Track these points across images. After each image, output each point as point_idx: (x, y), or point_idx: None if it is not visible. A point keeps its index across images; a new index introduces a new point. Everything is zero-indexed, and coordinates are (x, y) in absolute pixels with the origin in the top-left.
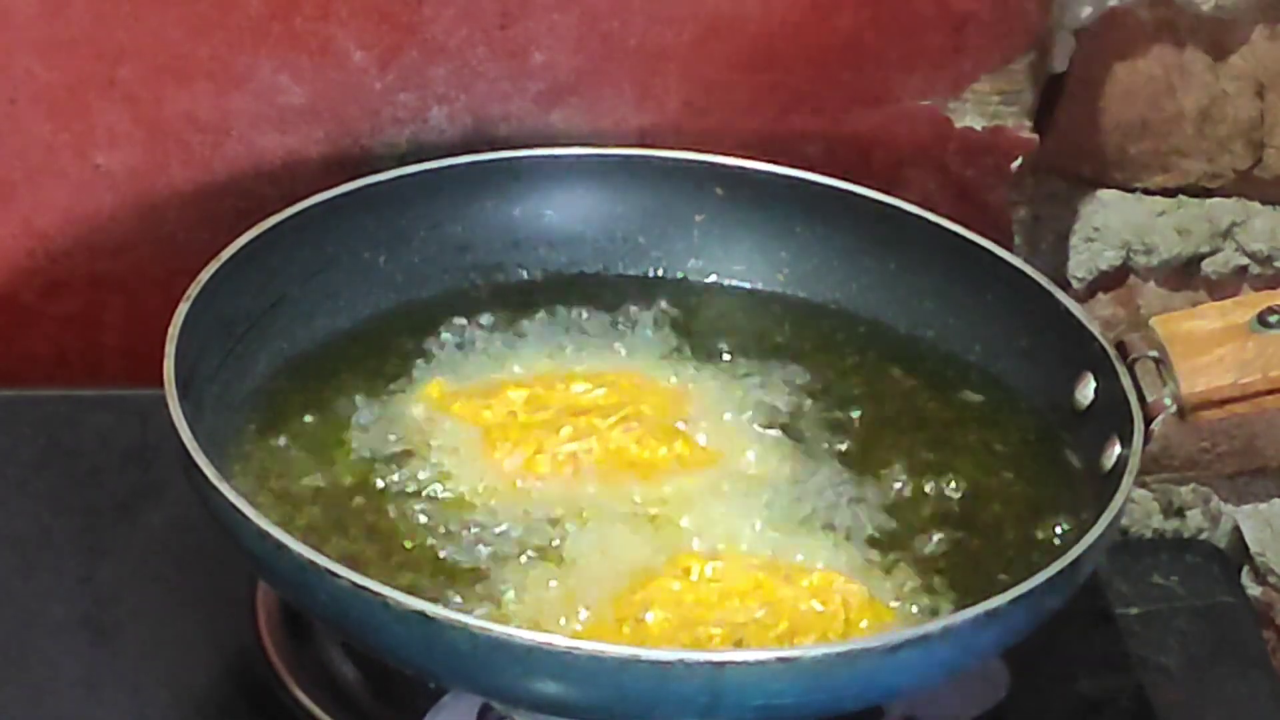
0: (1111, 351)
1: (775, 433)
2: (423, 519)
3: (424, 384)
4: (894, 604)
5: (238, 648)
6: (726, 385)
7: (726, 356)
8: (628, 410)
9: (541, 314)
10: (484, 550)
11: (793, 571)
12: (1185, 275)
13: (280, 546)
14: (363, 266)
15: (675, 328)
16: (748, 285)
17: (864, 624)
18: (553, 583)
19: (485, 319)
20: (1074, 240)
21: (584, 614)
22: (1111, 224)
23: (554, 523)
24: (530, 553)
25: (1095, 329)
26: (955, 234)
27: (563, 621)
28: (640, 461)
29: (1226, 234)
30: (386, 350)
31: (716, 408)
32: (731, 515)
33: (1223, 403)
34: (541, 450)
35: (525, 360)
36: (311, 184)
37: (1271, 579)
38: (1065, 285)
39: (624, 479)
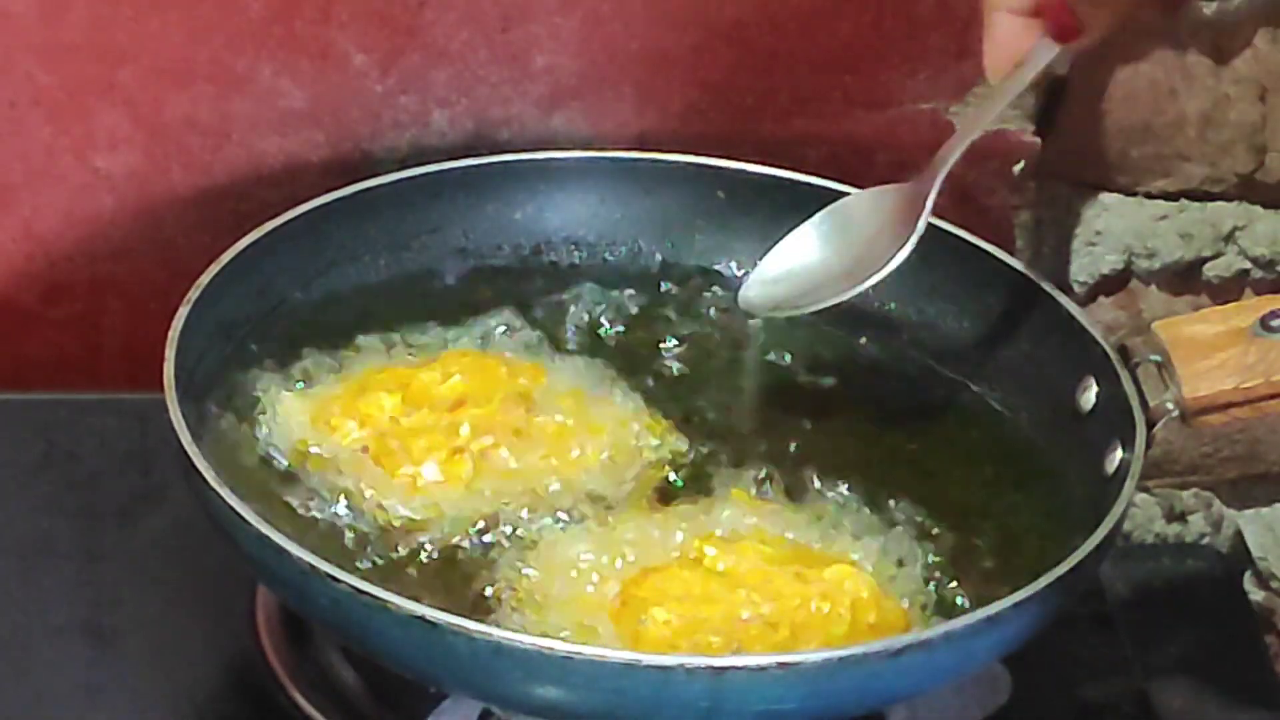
0: (1113, 355)
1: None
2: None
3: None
4: (902, 597)
5: (237, 652)
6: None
7: (730, 359)
8: (500, 393)
9: (544, 317)
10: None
11: (805, 564)
12: (1187, 279)
13: (281, 551)
14: (363, 270)
15: (680, 331)
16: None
17: (872, 618)
18: (530, 572)
19: (487, 323)
20: (1076, 244)
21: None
22: (1113, 228)
23: (509, 518)
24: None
25: (1097, 333)
26: (957, 237)
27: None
28: (541, 436)
29: (1228, 238)
30: (389, 355)
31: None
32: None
33: (1225, 407)
34: (458, 451)
35: (527, 363)
36: (312, 187)
37: (1274, 584)
38: (1067, 289)
39: (540, 459)
